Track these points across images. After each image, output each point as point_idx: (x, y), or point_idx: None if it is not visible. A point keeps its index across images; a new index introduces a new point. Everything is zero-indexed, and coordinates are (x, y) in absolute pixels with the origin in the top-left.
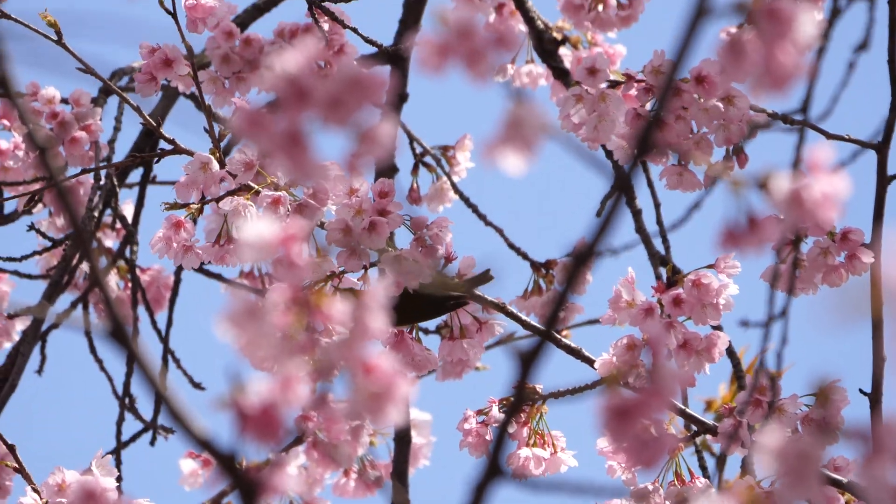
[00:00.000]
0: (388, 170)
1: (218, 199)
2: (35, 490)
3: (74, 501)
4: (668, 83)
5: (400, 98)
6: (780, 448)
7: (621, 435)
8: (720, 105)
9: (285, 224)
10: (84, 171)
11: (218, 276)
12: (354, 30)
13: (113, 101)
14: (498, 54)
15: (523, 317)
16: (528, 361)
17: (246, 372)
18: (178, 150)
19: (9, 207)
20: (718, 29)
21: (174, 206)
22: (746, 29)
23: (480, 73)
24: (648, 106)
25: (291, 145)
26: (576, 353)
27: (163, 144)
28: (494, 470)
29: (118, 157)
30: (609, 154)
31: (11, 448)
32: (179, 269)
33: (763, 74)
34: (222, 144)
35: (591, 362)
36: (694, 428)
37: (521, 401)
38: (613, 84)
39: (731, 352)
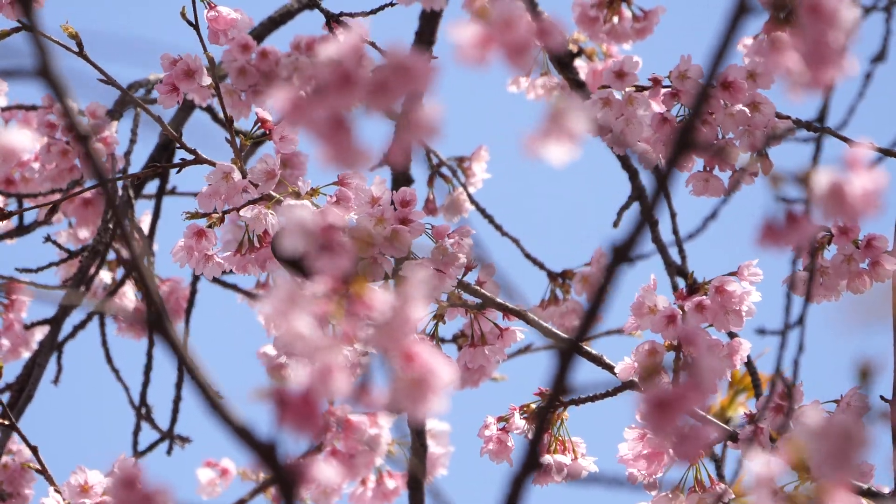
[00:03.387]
0: (403, 181)
1: (238, 209)
2: (57, 491)
3: (114, 491)
4: (707, 83)
5: None
6: (822, 427)
7: (661, 428)
8: (746, 110)
9: (326, 212)
10: (103, 182)
11: (234, 287)
12: (372, 43)
13: (129, 114)
14: (541, 47)
15: (544, 324)
16: (566, 355)
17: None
18: (199, 160)
19: (28, 218)
20: (752, 29)
21: (195, 216)
22: (784, 26)
23: (522, 64)
24: (675, 111)
25: (334, 131)
26: (597, 360)
27: (181, 157)
28: (533, 462)
29: (134, 168)
30: (623, 160)
31: (34, 449)
32: (195, 280)
33: (805, 69)
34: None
35: (611, 369)
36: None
37: (559, 392)
38: (640, 88)
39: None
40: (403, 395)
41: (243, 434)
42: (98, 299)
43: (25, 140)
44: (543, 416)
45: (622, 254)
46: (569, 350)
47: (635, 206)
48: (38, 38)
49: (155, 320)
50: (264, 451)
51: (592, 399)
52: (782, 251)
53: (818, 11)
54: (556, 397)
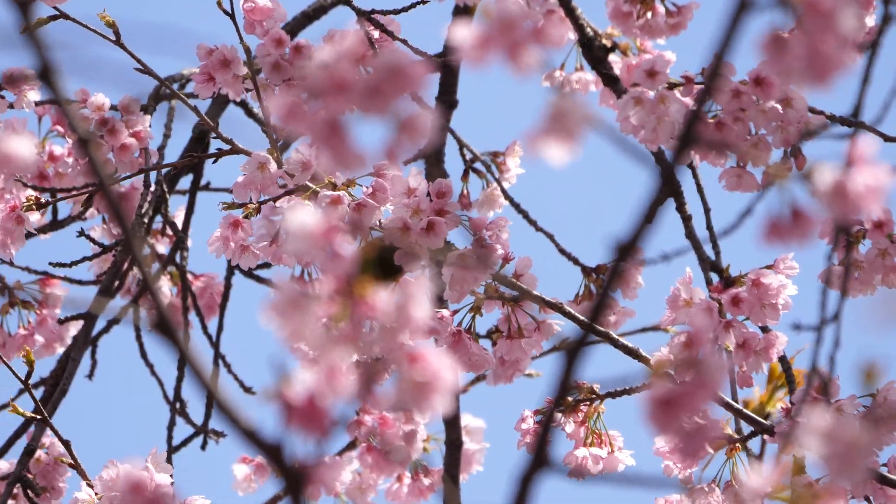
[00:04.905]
0: (437, 176)
1: (275, 199)
2: (89, 485)
3: (121, 493)
4: (710, 78)
5: (449, 105)
6: (828, 431)
7: (666, 425)
8: (778, 107)
9: (326, 214)
10: (139, 172)
11: (269, 282)
12: (403, 41)
13: (162, 108)
14: (539, 48)
15: (580, 316)
16: (572, 353)
17: (292, 365)
18: (235, 150)
19: (62, 213)
20: (761, 24)
21: (232, 206)
22: (788, 23)
23: (521, 65)
24: (707, 108)
25: (330, 134)
26: (633, 353)
27: (218, 149)
28: (540, 461)
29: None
30: (659, 157)
31: (67, 444)
32: (230, 275)
33: (806, 68)
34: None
35: (647, 362)
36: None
37: (564, 392)
38: (671, 86)
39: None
40: (408, 395)
41: (250, 435)
42: (131, 294)
43: (24, 147)
44: (550, 413)
45: (627, 251)
46: (579, 341)
47: (670, 201)
48: (35, 37)
49: (159, 323)
50: (271, 452)
51: (629, 392)
52: (788, 248)
53: (817, 10)
54: (566, 389)
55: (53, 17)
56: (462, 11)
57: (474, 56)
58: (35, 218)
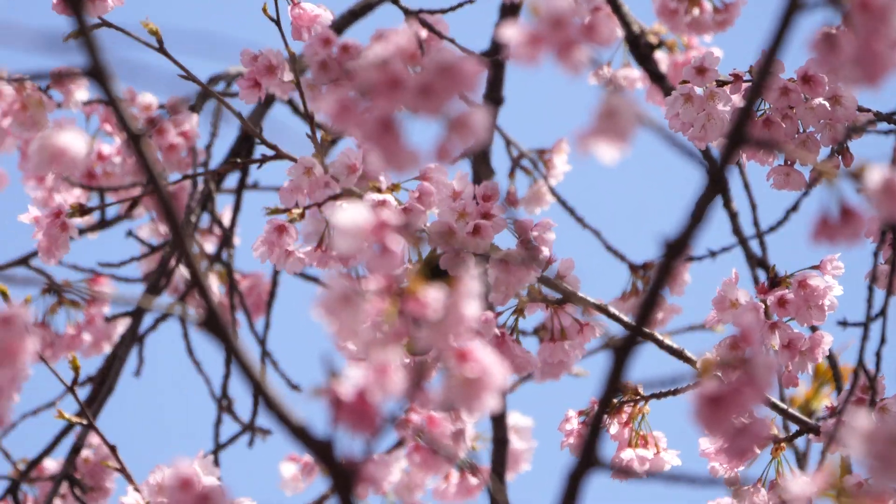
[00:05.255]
0: (484, 173)
1: (320, 204)
2: (136, 489)
3: (171, 490)
4: (760, 76)
5: (496, 102)
6: (870, 431)
7: (714, 425)
8: (826, 104)
9: (377, 211)
10: (185, 178)
11: (316, 280)
12: (451, 40)
13: (209, 106)
14: (590, 46)
15: (624, 317)
16: (621, 352)
17: (341, 362)
18: (279, 155)
19: (110, 212)
20: (812, 23)
21: (276, 211)
22: (840, 22)
23: (572, 64)
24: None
25: (382, 133)
26: (678, 353)
27: (261, 151)
28: (589, 461)
29: (215, 162)
30: (707, 154)
31: (113, 448)
32: (276, 274)
33: (856, 67)
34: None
35: (692, 363)
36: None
37: (613, 392)
38: (720, 84)
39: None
40: (457, 393)
41: (299, 432)
42: (178, 292)
43: (77, 142)
44: (600, 413)
45: (676, 249)
46: (627, 341)
47: (718, 198)
48: (87, 35)
49: (208, 319)
50: (321, 450)
51: (674, 393)
52: (837, 247)
53: (868, 9)
54: (613, 390)
55: (97, 26)
56: (509, 10)
57: (524, 55)
58: (80, 221)
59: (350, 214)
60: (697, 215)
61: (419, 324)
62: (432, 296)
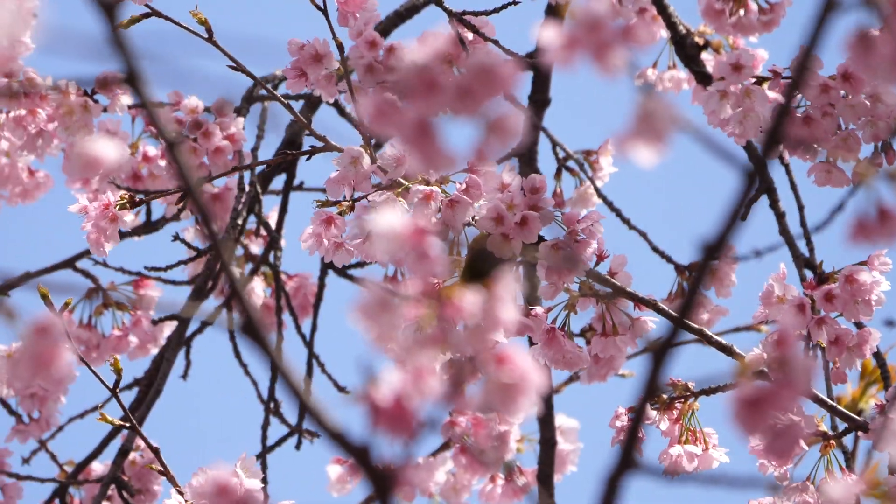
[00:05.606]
0: (530, 174)
1: (367, 196)
2: (179, 492)
3: (209, 497)
4: (797, 71)
5: (542, 103)
6: None
7: (752, 426)
8: (867, 102)
9: (415, 216)
10: (233, 170)
11: (362, 281)
12: (495, 41)
13: (255, 110)
14: (627, 48)
15: (674, 314)
16: (661, 350)
17: (380, 366)
18: (328, 147)
19: (156, 214)
20: (848, 23)
21: (326, 204)
22: (874, 23)
23: (608, 66)
24: (795, 102)
25: (420, 136)
26: (727, 350)
27: (311, 146)
28: (627, 462)
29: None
30: (750, 151)
31: (156, 451)
32: (323, 275)
33: (892, 68)
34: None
35: (742, 360)
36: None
37: (653, 389)
38: (759, 80)
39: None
40: (495, 397)
41: (337, 437)
42: (225, 295)
43: (111, 150)
44: (638, 413)
45: (714, 249)
46: (670, 336)
47: (764, 198)
48: (122, 42)
49: (247, 326)
50: (358, 454)
51: (723, 389)
52: (875, 247)
53: None
54: (654, 386)
55: (146, 15)
56: (554, 11)
57: (561, 57)
58: (129, 218)
59: (387, 220)
60: (736, 213)
61: (457, 327)
62: (469, 300)
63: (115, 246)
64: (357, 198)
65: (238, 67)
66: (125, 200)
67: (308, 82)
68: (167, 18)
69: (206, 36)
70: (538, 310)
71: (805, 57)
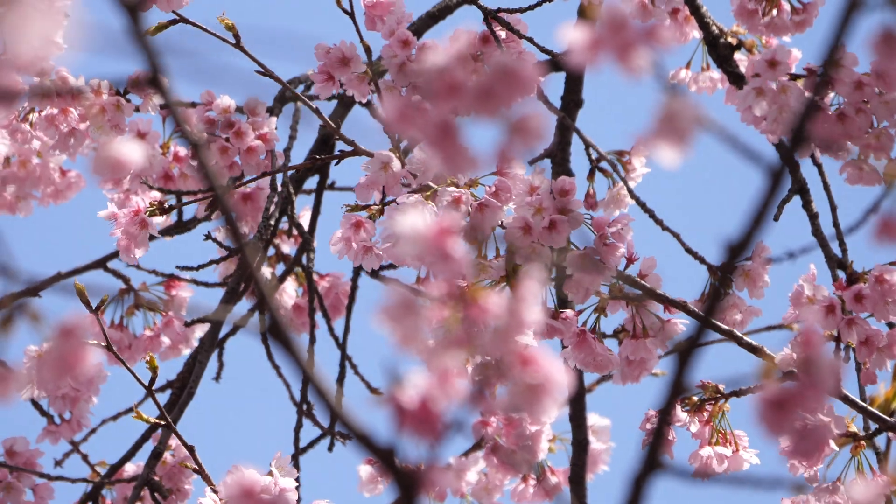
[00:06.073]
0: (563, 174)
1: (397, 199)
2: (214, 490)
3: (234, 500)
4: (826, 66)
5: (575, 104)
6: None
7: (777, 427)
8: None
9: (439, 217)
10: (262, 176)
11: (395, 282)
12: (529, 39)
13: (287, 109)
14: (652, 49)
15: (704, 315)
16: (686, 351)
17: (406, 368)
18: (357, 151)
19: (187, 213)
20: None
21: (355, 208)
22: None
23: (632, 67)
24: (829, 99)
25: (442, 137)
26: (757, 351)
27: (340, 151)
28: (653, 463)
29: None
30: (782, 149)
31: (191, 449)
32: (356, 276)
33: None
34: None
35: (772, 360)
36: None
37: (678, 389)
38: (794, 78)
39: None
40: (521, 399)
41: (363, 439)
42: (255, 298)
43: (136, 151)
44: (664, 414)
45: (737, 252)
46: (693, 339)
47: (796, 199)
48: (145, 42)
49: (273, 330)
50: (384, 456)
51: (753, 391)
52: None
53: None
54: (680, 387)
55: (173, 22)
56: (584, 12)
57: (586, 57)
58: (159, 220)
59: (411, 220)
60: (759, 214)
61: (482, 329)
62: (494, 301)
63: (145, 251)
64: (387, 201)
65: (266, 73)
66: (155, 207)
67: (336, 85)
68: (194, 25)
69: (233, 42)
70: (568, 313)
71: (833, 52)
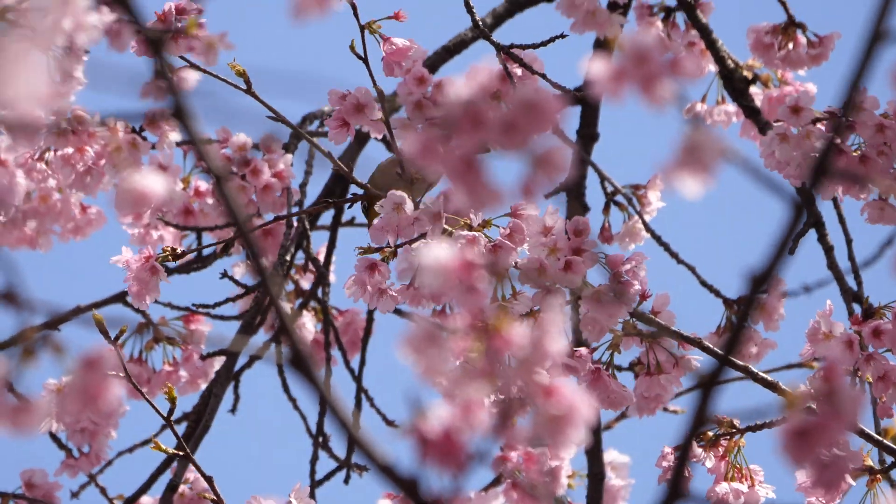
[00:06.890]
0: (578, 209)
1: (411, 242)
2: None
3: None
4: (845, 108)
5: (590, 138)
6: None
7: (800, 458)
8: None
9: (463, 249)
10: (277, 219)
11: (410, 315)
12: (543, 75)
13: (303, 145)
14: (675, 81)
15: (719, 351)
16: (707, 387)
17: (428, 399)
18: (369, 194)
19: (207, 249)
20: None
21: (368, 251)
22: None
23: (656, 99)
24: (848, 139)
25: (465, 171)
26: (773, 386)
27: (353, 193)
28: (676, 494)
29: (310, 200)
30: (803, 192)
31: (209, 480)
32: (372, 311)
33: None
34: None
35: (787, 396)
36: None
37: (699, 424)
38: (815, 121)
39: None
40: (544, 429)
41: (386, 470)
42: (274, 329)
43: (158, 185)
44: (686, 445)
45: (761, 282)
46: (713, 375)
47: (812, 232)
48: (170, 77)
49: (296, 360)
50: (407, 487)
51: (769, 426)
52: None
53: None
54: (701, 421)
55: (182, 69)
56: (602, 44)
57: (609, 89)
58: (174, 262)
59: (435, 253)
60: (784, 247)
61: (506, 361)
62: (518, 333)
63: (157, 297)
64: (399, 244)
65: (278, 118)
66: (168, 253)
67: (350, 131)
68: (205, 71)
69: (244, 88)
70: (582, 350)
71: (852, 93)
